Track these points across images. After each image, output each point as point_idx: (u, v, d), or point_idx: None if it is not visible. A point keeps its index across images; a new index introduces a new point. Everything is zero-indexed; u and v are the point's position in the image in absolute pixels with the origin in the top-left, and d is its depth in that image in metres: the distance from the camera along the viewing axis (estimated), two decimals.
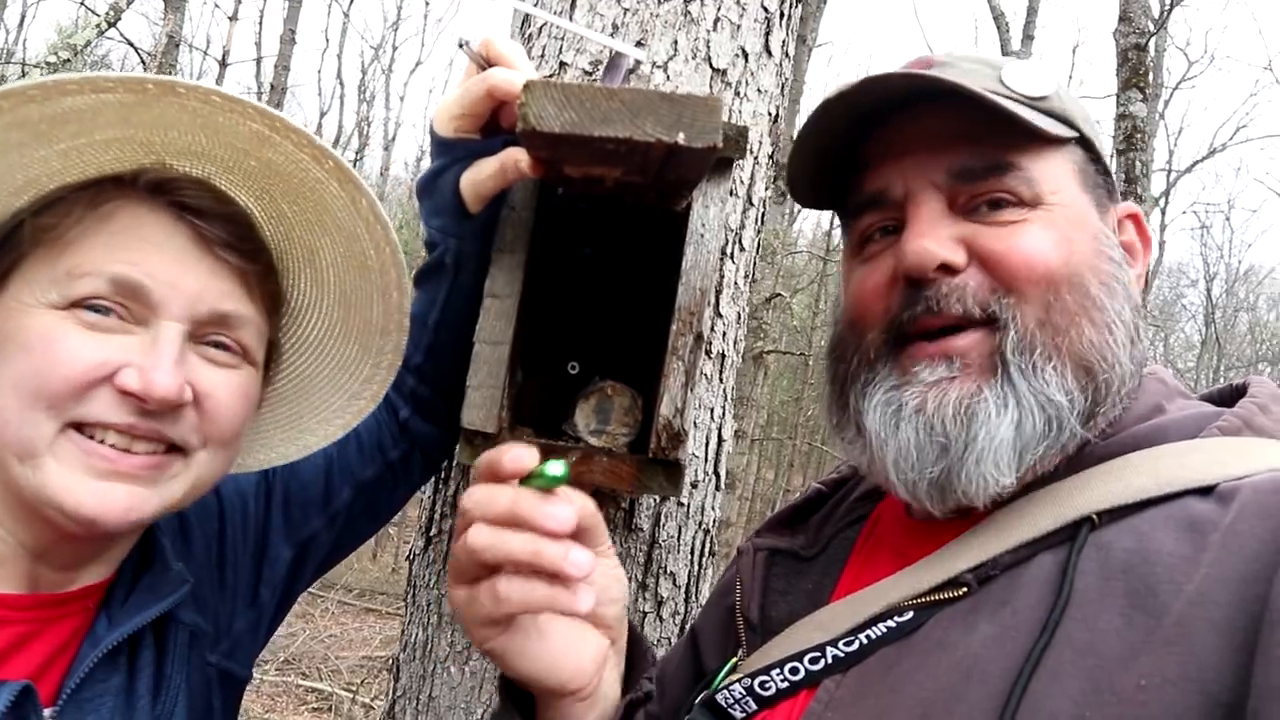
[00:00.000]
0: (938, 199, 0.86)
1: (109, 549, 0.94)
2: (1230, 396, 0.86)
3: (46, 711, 0.84)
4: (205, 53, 18.97)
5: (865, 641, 0.81)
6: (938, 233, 0.84)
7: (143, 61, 10.47)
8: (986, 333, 0.83)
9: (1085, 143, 0.89)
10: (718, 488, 1.49)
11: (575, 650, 0.95)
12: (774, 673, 0.86)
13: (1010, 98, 0.84)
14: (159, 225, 0.86)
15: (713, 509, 1.48)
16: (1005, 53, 11.47)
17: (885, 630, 0.81)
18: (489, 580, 0.86)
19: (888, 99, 0.88)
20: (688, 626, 1.12)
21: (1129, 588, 0.70)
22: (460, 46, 1.04)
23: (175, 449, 0.88)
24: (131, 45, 10.27)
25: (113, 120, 0.84)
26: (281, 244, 0.98)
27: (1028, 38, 11.90)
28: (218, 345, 0.90)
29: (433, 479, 1.45)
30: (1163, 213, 20.48)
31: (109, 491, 0.83)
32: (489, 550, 0.84)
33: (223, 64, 14.57)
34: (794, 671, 0.85)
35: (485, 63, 1.03)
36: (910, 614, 0.80)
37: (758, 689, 0.86)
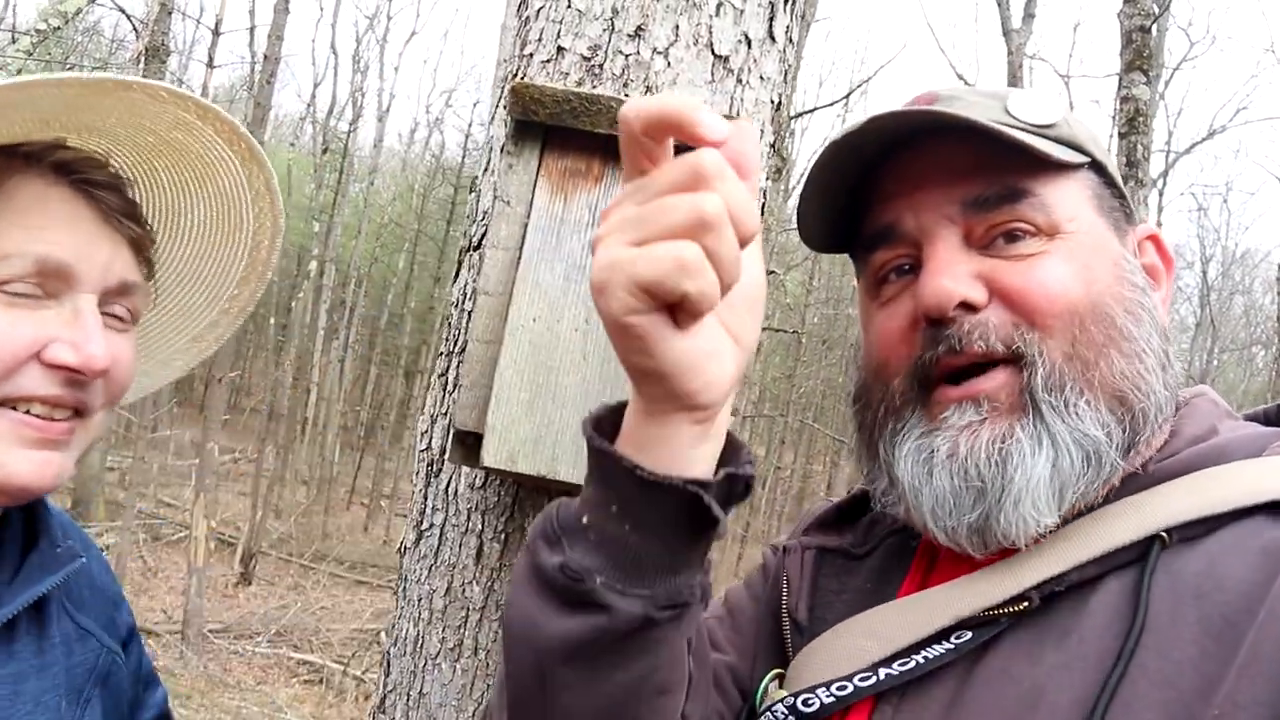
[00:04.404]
0: (953, 234, 0.84)
1: None
2: (1276, 416, 0.86)
3: None
4: (198, 21, 18.76)
5: (922, 661, 0.79)
6: (955, 270, 0.82)
7: (135, 29, 10.33)
8: (1012, 370, 0.80)
9: (1098, 167, 0.87)
10: None
11: (719, 358, 0.71)
12: (819, 691, 0.84)
13: (1018, 127, 0.82)
14: (63, 200, 0.88)
15: None
16: (1006, 30, 11.37)
17: (943, 651, 0.79)
18: (675, 240, 0.64)
19: (895, 136, 0.85)
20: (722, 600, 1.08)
21: (1202, 614, 0.69)
22: None
23: (78, 413, 0.90)
24: (123, 12, 10.13)
25: (57, 109, 0.86)
26: (154, 207, 1.02)
27: (1029, 16, 11.77)
28: (116, 313, 0.93)
29: (425, 472, 1.42)
30: (1160, 194, 20.47)
31: (40, 459, 0.87)
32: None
33: (216, 32, 14.35)
34: (841, 689, 0.83)
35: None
36: (969, 634, 0.78)
37: (800, 706, 0.84)
